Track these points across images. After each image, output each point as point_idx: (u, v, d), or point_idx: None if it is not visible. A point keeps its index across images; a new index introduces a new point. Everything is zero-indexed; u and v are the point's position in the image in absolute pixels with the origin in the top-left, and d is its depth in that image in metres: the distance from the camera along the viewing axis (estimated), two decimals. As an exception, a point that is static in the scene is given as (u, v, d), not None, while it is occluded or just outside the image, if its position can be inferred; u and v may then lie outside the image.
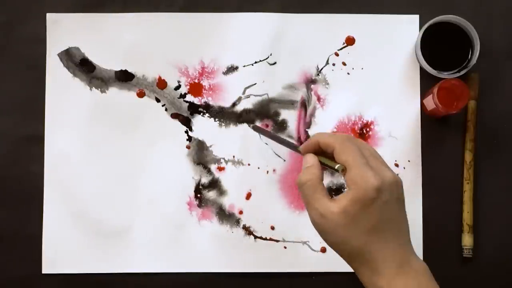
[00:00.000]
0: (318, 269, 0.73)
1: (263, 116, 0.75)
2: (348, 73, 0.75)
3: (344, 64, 0.75)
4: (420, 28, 0.73)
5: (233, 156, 0.74)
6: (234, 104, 0.75)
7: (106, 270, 0.73)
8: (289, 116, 0.75)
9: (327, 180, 0.74)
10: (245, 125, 0.75)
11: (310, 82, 0.75)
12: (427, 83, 0.74)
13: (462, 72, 0.72)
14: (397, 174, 0.73)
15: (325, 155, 0.53)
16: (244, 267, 0.73)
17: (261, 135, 0.72)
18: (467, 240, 0.72)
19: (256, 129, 0.68)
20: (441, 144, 0.74)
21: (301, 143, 0.74)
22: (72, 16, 0.75)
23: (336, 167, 0.51)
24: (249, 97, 0.75)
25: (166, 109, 0.75)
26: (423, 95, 0.74)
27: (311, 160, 0.53)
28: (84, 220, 0.73)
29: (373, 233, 0.48)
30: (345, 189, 0.50)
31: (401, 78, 0.75)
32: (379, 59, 0.75)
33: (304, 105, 0.75)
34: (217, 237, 0.73)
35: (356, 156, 0.49)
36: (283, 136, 0.74)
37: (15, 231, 0.73)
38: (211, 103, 0.75)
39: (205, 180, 0.74)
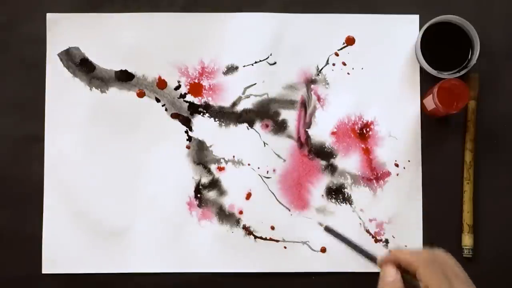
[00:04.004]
0: (318, 269, 0.73)
1: (263, 116, 0.75)
2: (348, 73, 0.75)
3: (344, 64, 0.75)
4: (420, 28, 0.73)
5: (233, 156, 0.74)
6: (234, 104, 0.75)
7: (106, 270, 0.73)
8: (289, 116, 0.75)
9: (327, 180, 0.74)
10: (245, 125, 0.75)
11: (310, 82, 0.75)
12: (427, 83, 0.74)
13: (462, 72, 0.72)
14: (397, 174, 0.73)
15: (400, 268, 0.53)
16: (244, 267, 0.73)
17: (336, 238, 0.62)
18: (467, 240, 0.72)
19: (328, 230, 0.60)
20: (441, 144, 0.74)
21: (301, 143, 0.74)
22: (72, 16, 0.75)
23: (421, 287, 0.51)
24: (249, 97, 0.75)
25: (166, 109, 0.75)
26: (423, 95, 0.74)
27: (393, 274, 0.53)
28: (84, 220, 0.73)
29: None
30: None
31: (401, 78, 0.75)
32: (379, 59, 0.75)
33: (304, 105, 0.75)
34: (217, 237, 0.73)
35: (440, 280, 0.50)
36: (283, 136, 0.74)
37: (15, 231, 0.73)
38: (211, 103, 0.75)
39: (205, 180, 0.74)
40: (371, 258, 0.56)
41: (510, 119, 0.74)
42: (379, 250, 0.72)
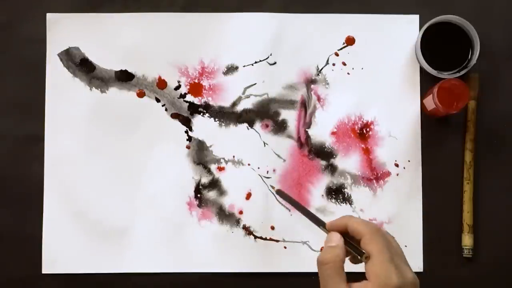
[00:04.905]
0: (318, 269, 0.73)
1: (263, 116, 0.75)
2: (348, 73, 0.75)
3: (344, 64, 0.75)
4: (420, 28, 0.73)
5: (233, 156, 0.74)
6: (234, 104, 0.75)
7: (106, 270, 0.73)
8: (289, 116, 0.75)
9: (327, 180, 0.74)
10: (245, 125, 0.75)
11: (310, 82, 0.75)
12: (427, 83, 0.74)
13: (462, 72, 0.72)
14: (397, 174, 0.73)
15: (348, 237, 0.52)
16: (244, 267, 0.73)
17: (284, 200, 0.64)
18: (467, 240, 0.72)
19: (280, 193, 0.61)
20: (441, 144, 0.74)
21: (301, 143, 0.74)
22: (72, 16, 0.75)
23: (361, 254, 0.51)
24: (249, 97, 0.75)
25: (166, 109, 0.75)
26: (423, 95, 0.74)
27: (336, 240, 0.52)
28: (84, 220, 0.73)
29: None
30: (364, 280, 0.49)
31: (401, 78, 0.75)
32: (379, 59, 0.75)
33: (304, 105, 0.75)
34: (217, 237, 0.73)
35: (383, 249, 0.49)
36: (283, 136, 0.74)
37: (15, 231, 0.73)
38: (211, 103, 0.75)
39: (205, 180, 0.74)
40: (320, 223, 0.55)
41: (510, 119, 0.74)
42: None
